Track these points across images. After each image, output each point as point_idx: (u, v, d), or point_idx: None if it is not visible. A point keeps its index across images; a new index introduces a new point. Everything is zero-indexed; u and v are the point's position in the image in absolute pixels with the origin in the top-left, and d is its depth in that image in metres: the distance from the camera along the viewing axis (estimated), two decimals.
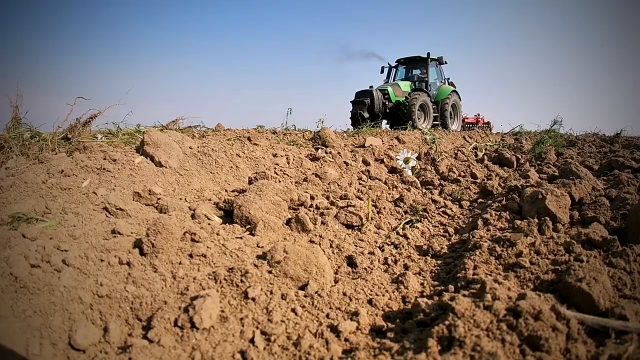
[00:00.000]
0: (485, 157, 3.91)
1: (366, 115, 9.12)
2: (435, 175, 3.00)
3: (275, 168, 3.01)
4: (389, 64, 11.06)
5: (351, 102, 9.47)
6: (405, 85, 9.94)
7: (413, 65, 11.01)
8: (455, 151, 4.12)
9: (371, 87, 9.45)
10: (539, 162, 3.73)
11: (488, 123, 15.23)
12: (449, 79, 11.28)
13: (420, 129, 6.71)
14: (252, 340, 1.01)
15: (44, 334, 0.99)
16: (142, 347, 0.96)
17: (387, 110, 9.47)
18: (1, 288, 1.04)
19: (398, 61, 11.05)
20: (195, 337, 1.00)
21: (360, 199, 2.34)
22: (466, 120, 14.18)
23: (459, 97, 11.02)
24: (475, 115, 15.42)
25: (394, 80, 10.80)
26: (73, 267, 1.18)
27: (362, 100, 9.18)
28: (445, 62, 11.09)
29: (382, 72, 10.94)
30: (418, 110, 9.25)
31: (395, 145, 4.51)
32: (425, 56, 10.54)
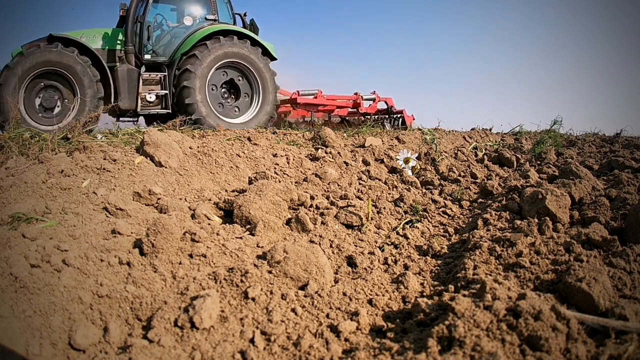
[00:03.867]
0: (485, 157, 3.91)
1: None
2: (435, 175, 3.00)
3: (275, 168, 3.01)
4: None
5: None
6: (96, 36, 4.94)
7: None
8: (455, 151, 4.12)
9: None
10: (539, 162, 3.73)
11: (390, 110, 8.42)
12: (245, 14, 5.89)
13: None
14: (252, 340, 1.01)
15: (44, 334, 0.99)
16: (142, 347, 0.96)
17: None
18: (1, 288, 1.04)
19: None
20: (195, 337, 1.00)
21: (360, 199, 2.34)
22: (297, 99, 7.39)
23: (264, 53, 5.51)
24: (355, 94, 8.30)
25: None
26: (73, 267, 1.18)
27: None
28: None
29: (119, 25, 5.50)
30: (20, 96, 4.32)
31: (395, 145, 4.51)
32: None
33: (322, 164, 3.24)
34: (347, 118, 8.57)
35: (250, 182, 2.67)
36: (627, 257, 1.19)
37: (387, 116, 8.48)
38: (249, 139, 3.55)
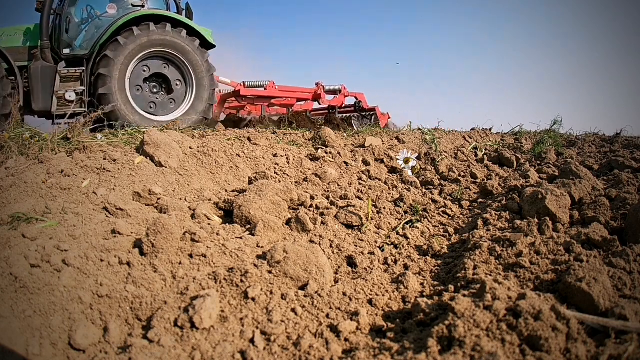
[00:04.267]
0: (485, 157, 3.91)
1: None
2: (435, 175, 3.00)
3: (275, 168, 3.01)
4: None
5: None
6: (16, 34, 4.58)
7: None
8: (455, 151, 4.12)
9: None
10: (539, 162, 3.73)
11: (359, 105, 7.19)
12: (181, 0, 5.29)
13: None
14: (252, 340, 1.01)
15: (44, 334, 0.99)
16: (142, 347, 0.96)
17: None
18: (1, 288, 1.04)
19: None
20: (195, 337, 1.00)
21: (360, 199, 2.34)
22: (241, 91, 6.42)
23: (202, 44, 4.98)
24: (318, 84, 7.03)
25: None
26: (73, 267, 1.18)
27: None
28: None
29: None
30: None
31: (395, 145, 4.51)
32: None
33: (322, 164, 3.24)
34: (312, 115, 7.24)
35: (250, 182, 2.67)
36: (627, 257, 1.19)
37: (355, 114, 7.27)
38: (249, 139, 3.55)
